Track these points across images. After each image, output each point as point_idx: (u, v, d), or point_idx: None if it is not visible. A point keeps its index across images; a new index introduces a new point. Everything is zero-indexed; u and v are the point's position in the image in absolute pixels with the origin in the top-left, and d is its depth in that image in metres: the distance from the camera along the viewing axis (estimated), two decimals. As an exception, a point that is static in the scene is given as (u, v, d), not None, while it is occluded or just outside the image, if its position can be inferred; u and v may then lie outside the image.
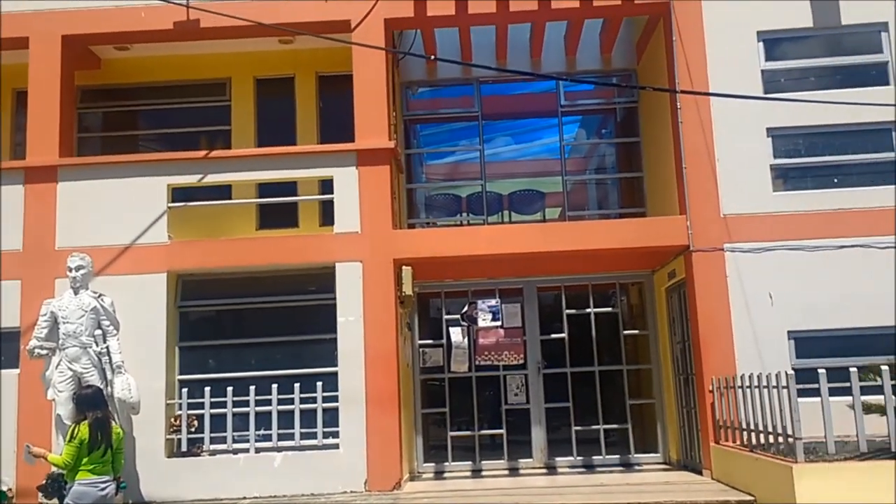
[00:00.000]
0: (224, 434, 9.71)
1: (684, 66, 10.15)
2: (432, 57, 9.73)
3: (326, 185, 10.50)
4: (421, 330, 11.72)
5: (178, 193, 10.41)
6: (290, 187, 11.15)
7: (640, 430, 11.51)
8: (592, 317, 11.59)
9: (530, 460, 11.24)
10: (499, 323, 11.36)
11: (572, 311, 11.66)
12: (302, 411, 9.65)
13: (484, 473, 11.04)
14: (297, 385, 9.67)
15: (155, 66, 12.00)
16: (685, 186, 10.04)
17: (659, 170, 11.30)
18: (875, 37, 10.11)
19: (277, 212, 11.45)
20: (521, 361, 11.38)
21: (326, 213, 10.86)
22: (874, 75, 10.06)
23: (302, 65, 11.93)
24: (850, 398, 7.46)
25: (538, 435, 11.27)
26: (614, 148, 13.07)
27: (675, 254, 10.38)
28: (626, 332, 11.68)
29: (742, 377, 8.77)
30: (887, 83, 9.98)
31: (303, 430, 9.64)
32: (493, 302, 11.40)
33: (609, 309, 11.74)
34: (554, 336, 11.61)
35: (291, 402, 9.68)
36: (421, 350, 11.63)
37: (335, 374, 9.80)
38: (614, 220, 11.61)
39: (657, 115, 11.17)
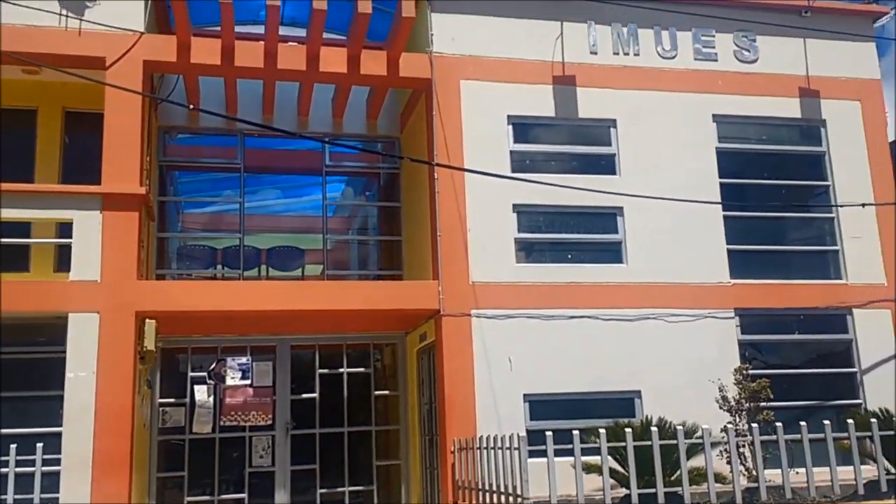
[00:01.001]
0: (-84, 502, 8.47)
1: (442, 140, 10.70)
2: (191, 106, 9.41)
3: (66, 228, 9.72)
4: (163, 387, 11.08)
5: None
6: (22, 227, 10.17)
7: (386, 491, 11.62)
8: (345, 377, 11.63)
9: (272, 525, 10.92)
10: (248, 381, 11.04)
11: (325, 371, 11.64)
12: (18, 475, 8.65)
13: (222, 540, 10.54)
14: (13, 446, 8.68)
15: None
16: (439, 253, 10.48)
17: (416, 235, 11.72)
18: (606, 131, 11.32)
19: (5, 253, 10.36)
20: (269, 422, 11.11)
21: (63, 259, 10.01)
22: (604, 165, 11.24)
23: (48, 98, 11.04)
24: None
25: (282, 498, 10.98)
26: (376, 211, 13.38)
27: (427, 317, 10.75)
28: (377, 392, 11.84)
29: (480, 439, 9.19)
30: (615, 173, 11.17)
31: (17, 497, 8.63)
32: (243, 359, 11.08)
33: (362, 369, 11.87)
34: (305, 396, 11.48)
35: (5, 464, 8.66)
36: (161, 409, 10.97)
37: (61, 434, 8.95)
38: (371, 282, 11.82)
39: (417, 183, 11.64)
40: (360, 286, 11.41)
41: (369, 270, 13.25)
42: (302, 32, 11.09)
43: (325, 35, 10.59)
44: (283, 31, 10.91)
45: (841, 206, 11.42)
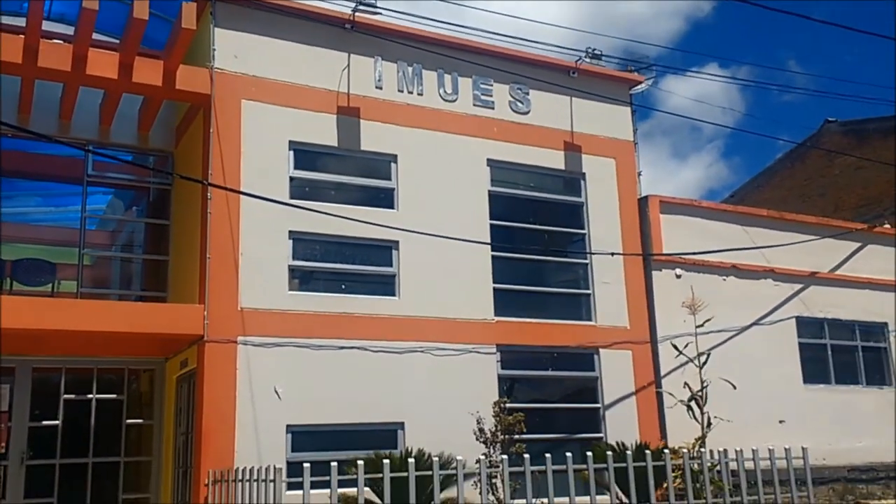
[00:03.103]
0: None
1: (219, 159, 10.35)
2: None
3: None
4: None
5: None
6: None
7: (133, 526, 10.86)
8: (94, 403, 10.78)
9: (-6, 568, 9.80)
10: (-21, 407, 9.92)
11: (71, 397, 10.73)
12: None
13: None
14: None
15: None
16: (207, 276, 10.06)
17: (184, 256, 11.19)
18: (386, 165, 11.51)
19: None
20: (2, 451, 10.03)
21: None
22: (383, 198, 11.41)
23: None
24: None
25: (10, 537, 9.92)
26: (143, 227, 12.63)
27: (190, 343, 10.26)
28: (129, 421, 11.08)
29: (236, 471, 8.84)
30: (393, 207, 11.37)
31: None
32: (-27, 382, 9.94)
33: (114, 396, 11.07)
34: (46, 423, 10.50)
35: None
36: None
37: None
38: (129, 303, 11.13)
39: (189, 201, 11.14)
40: (116, 306, 10.66)
41: (131, 290, 12.47)
42: (70, 30, 10.31)
43: (96, 36, 9.91)
44: (49, 26, 10.08)
45: (593, 254, 12.42)
